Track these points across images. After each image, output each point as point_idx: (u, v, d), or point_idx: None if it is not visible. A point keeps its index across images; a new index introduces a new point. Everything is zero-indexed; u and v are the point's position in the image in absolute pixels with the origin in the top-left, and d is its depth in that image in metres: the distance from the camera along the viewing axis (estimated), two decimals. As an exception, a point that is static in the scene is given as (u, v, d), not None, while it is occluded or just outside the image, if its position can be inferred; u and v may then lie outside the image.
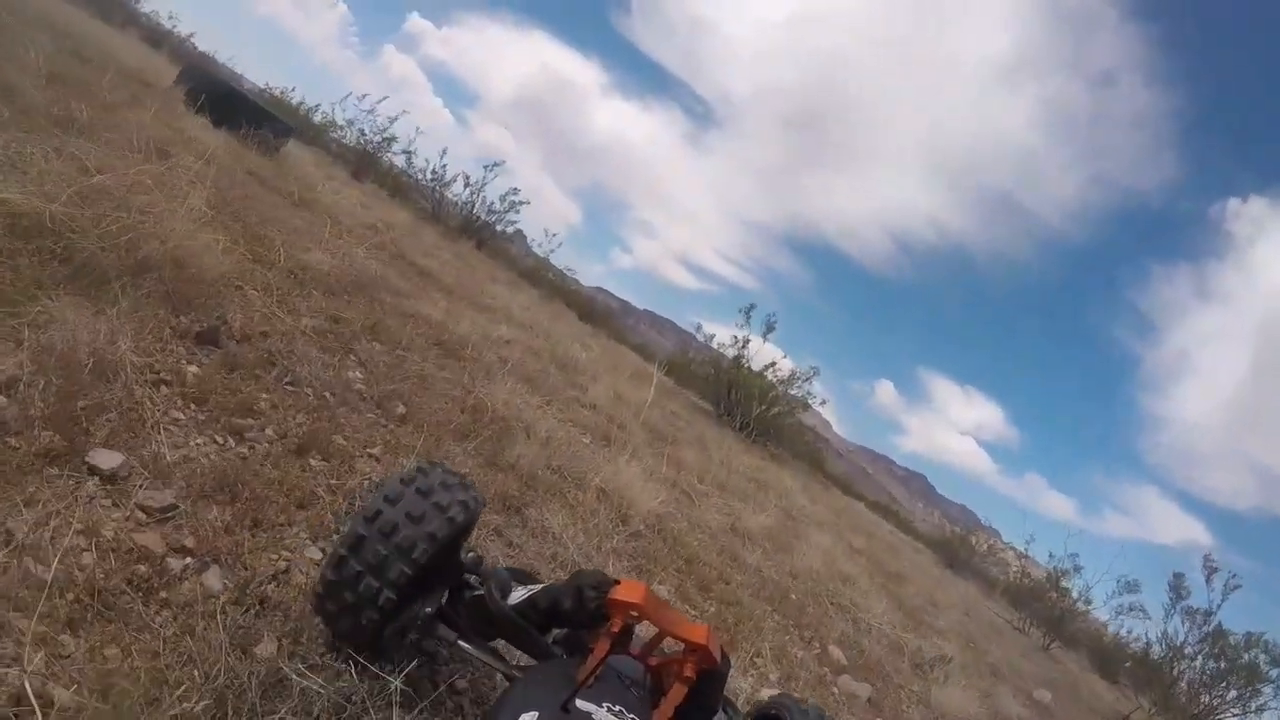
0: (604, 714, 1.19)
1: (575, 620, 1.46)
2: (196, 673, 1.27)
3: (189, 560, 1.51)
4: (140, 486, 1.61)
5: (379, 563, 1.36)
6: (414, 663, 1.50)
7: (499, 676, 1.79)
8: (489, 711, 1.20)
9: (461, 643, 1.51)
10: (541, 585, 1.56)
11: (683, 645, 1.30)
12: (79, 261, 2.27)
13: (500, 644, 1.71)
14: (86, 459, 1.58)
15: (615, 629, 1.32)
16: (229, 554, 1.58)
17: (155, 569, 1.44)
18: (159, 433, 1.82)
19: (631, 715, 1.21)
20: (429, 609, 1.49)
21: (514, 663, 1.59)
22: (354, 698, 1.42)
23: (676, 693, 1.25)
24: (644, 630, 1.76)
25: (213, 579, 1.50)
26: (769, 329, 12.49)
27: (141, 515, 1.55)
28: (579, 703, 1.18)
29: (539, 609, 1.49)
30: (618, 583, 1.39)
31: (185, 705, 1.20)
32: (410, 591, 1.44)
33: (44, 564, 1.31)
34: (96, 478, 1.56)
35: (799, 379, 12.83)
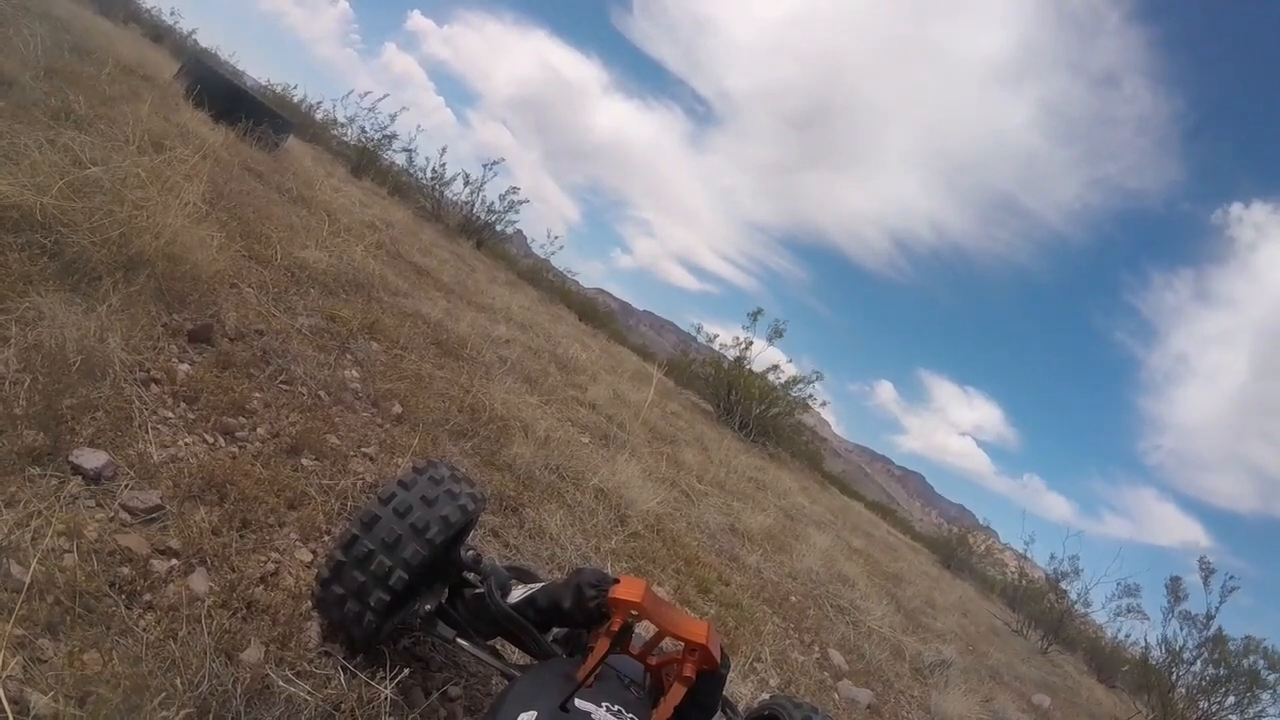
0: (603, 714, 1.17)
1: (575, 619, 1.46)
2: (179, 679, 1.23)
3: (174, 562, 1.47)
4: (125, 487, 1.57)
5: (393, 542, 1.38)
6: (406, 670, 1.47)
7: (494, 681, 1.76)
8: (487, 711, 1.18)
9: (460, 640, 1.50)
10: (541, 584, 1.55)
11: (683, 644, 1.28)
12: (69, 256, 2.23)
13: (499, 642, 1.68)
14: (70, 458, 1.54)
15: (615, 628, 1.30)
16: (216, 556, 1.54)
17: (139, 571, 1.40)
18: (146, 432, 1.78)
19: (630, 715, 1.20)
20: (429, 606, 1.49)
21: (512, 661, 1.57)
22: (343, 705, 1.38)
23: (675, 693, 1.24)
24: (644, 629, 1.73)
25: (199, 582, 1.46)
26: (776, 333, 12.52)
27: (126, 516, 1.51)
28: (578, 702, 1.16)
29: (539, 607, 1.49)
30: (618, 581, 1.38)
31: (166, 713, 1.16)
32: (414, 584, 1.43)
33: (24, 565, 1.27)
34: (80, 478, 1.53)
35: (801, 382, 12.84)
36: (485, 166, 13.18)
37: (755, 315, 12.64)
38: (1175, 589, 9.25)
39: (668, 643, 1.39)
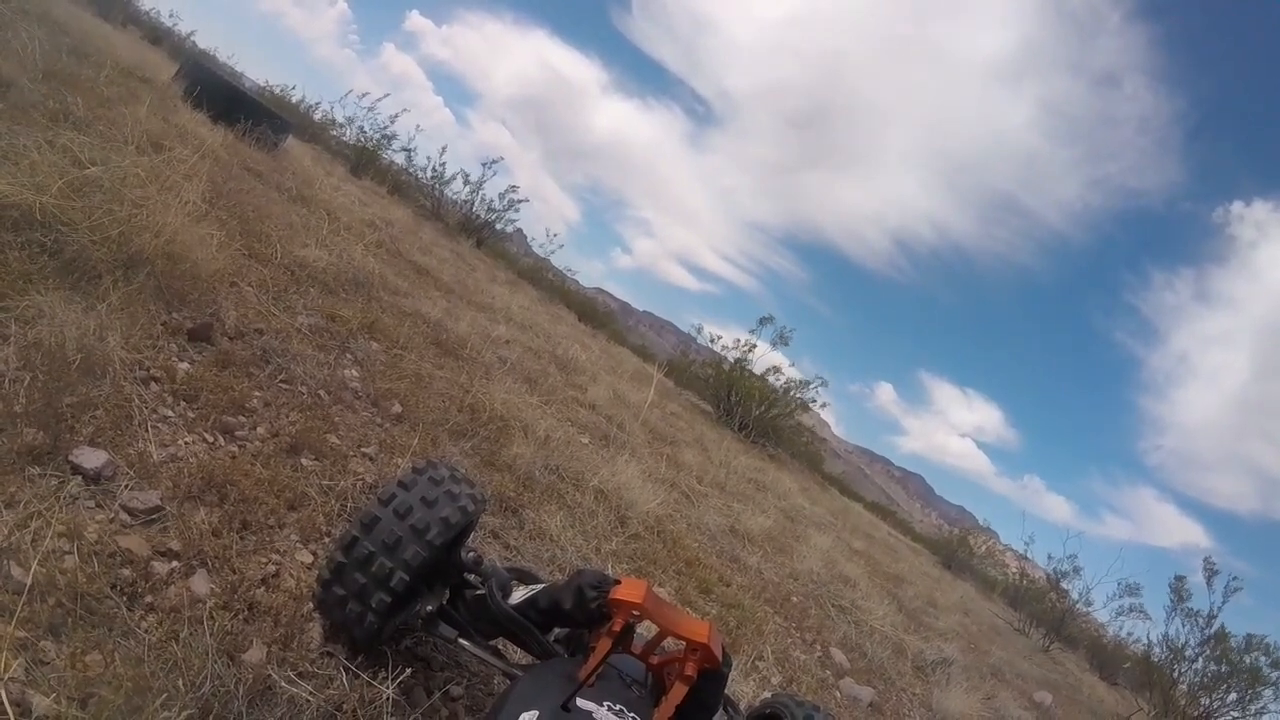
0: (605, 713, 1.17)
1: (576, 619, 1.46)
2: (181, 681, 1.23)
3: (175, 564, 1.46)
4: (125, 487, 1.56)
5: (394, 543, 1.37)
6: (408, 670, 1.46)
7: (497, 680, 1.75)
8: (489, 710, 1.17)
9: (462, 641, 1.50)
10: (542, 585, 1.54)
11: (685, 643, 1.27)
12: (69, 255, 2.22)
13: (500, 643, 1.68)
14: (70, 458, 1.53)
15: (616, 628, 1.30)
16: (217, 557, 1.54)
17: (140, 573, 1.39)
18: (146, 431, 1.78)
19: (632, 714, 1.19)
20: (430, 607, 1.48)
21: (514, 661, 1.56)
22: (344, 706, 1.38)
23: (677, 692, 1.23)
24: (646, 628, 1.73)
25: (200, 583, 1.45)
26: (781, 340, 12.53)
27: (126, 517, 1.50)
28: (580, 702, 1.16)
29: (540, 608, 1.49)
30: (619, 582, 1.38)
31: (168, 714, 1.15)
32: (415, 585, 1.43)
33: (24, 567, 1.26)
34: (80, 477, 1.52)
35: (805, 386, 12.86)
36: (485, 165, 13.18)
37: (764, 321, 12.66)
38: (1178, 588, 9.26)
39: (669, 642, 1.39)
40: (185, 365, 2.17)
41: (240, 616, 1.44)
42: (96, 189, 2.57)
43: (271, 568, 1.62)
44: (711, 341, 13.68)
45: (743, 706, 1.95)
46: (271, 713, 1.29)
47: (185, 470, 1.73)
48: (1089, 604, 11.67)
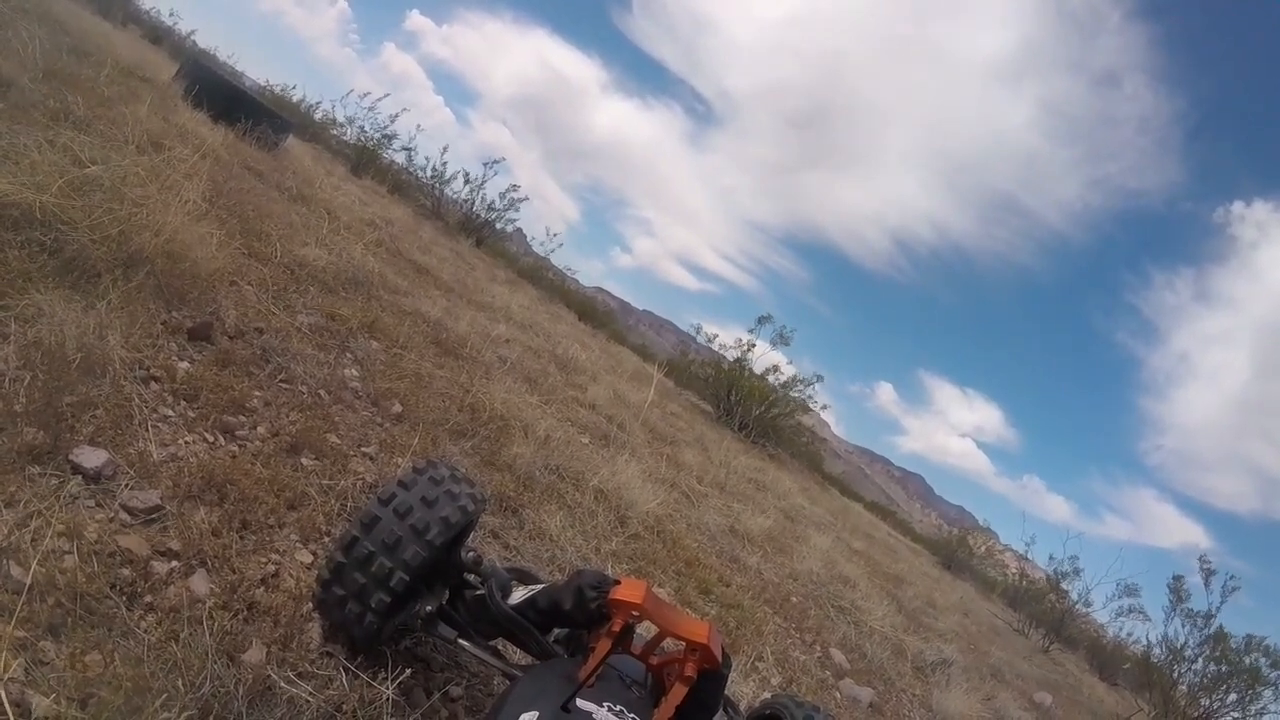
0: (605, 714, 1.17)
1: (576, 620, 1.46)
2: (180, 681, 1.22)
3: (175, 564, 1.46)
4: (125, 486, 1.56)
5: (394, 543, 1.37)
6: (407, 670, 1.46)
7: (496, 680, 1.75)
8: (489, 711, 1.18)
9: (462, 641, 1.50)
10: (542, 585, 1.54)
11: (684, 644, 1.27)
12: (69, 254, 2.22)
13: (500, 643, 1.68)
14: (70, 457, 1.53)
15: (616, 628, 1.30)
16: (216, 557, 1.54)
17: (139, 573, 1.39)
18: (146, 430, 1.77)
19: (632, 715, 1.20)
20: (430, 607, 1.48)
21: (514, 662, 1.56)
22: (344, 706, 1.38)
23: (677, 692, 1.23)
24: (645, 629, 1.73)
25: (199, 583, 1.45)
26: (782, 340, 12.53)
27: (126, 517, 1.50)
28: (580, 702, 1.16)
29: (539, 609, 1.49)
30: (618, 582, 1.38)
31: (168, 715, 1.15)
32: (415, 585, 1.43)
33: (24, 567, 1.26)
34: (80, 477, 1.52)
35: (802, 384, 12.85)
36: (485, 165, 13.18)
37: (763, 320, 12.65)
38: (1177, 588, 9.26)
39: (669, 642, 1.39)
40: (185, 364, 2.17)
41: (240, 616, 1.44)
42: (96, 188, 2.57)
43: (271, 568, 1.62)
44: (709, 341, 13.70)
45: (743, 707, 1.95)
46: (271, 713, 1.29)
47: (185, 470, 1.73)
48: (1089, 605, 11.69)
